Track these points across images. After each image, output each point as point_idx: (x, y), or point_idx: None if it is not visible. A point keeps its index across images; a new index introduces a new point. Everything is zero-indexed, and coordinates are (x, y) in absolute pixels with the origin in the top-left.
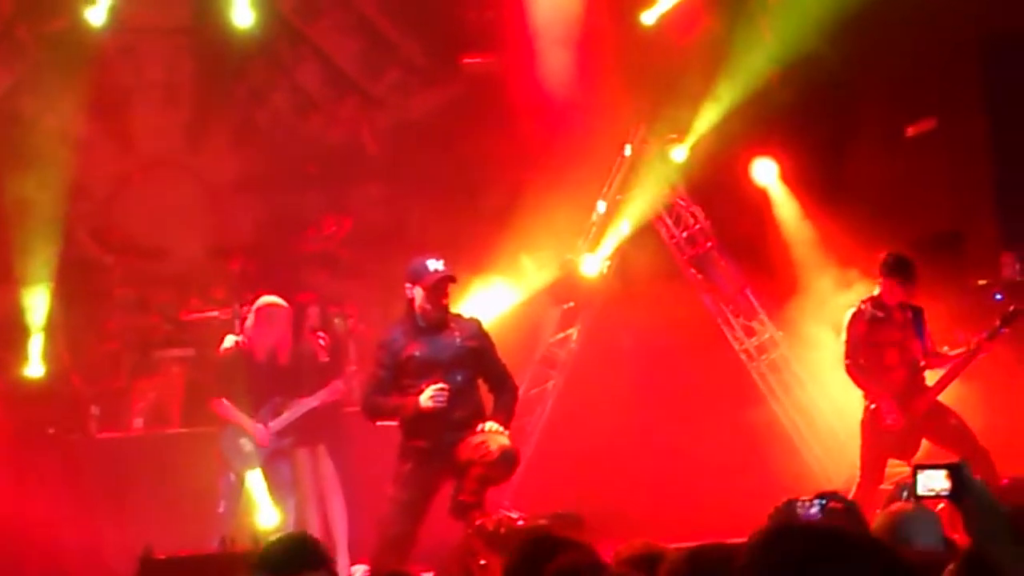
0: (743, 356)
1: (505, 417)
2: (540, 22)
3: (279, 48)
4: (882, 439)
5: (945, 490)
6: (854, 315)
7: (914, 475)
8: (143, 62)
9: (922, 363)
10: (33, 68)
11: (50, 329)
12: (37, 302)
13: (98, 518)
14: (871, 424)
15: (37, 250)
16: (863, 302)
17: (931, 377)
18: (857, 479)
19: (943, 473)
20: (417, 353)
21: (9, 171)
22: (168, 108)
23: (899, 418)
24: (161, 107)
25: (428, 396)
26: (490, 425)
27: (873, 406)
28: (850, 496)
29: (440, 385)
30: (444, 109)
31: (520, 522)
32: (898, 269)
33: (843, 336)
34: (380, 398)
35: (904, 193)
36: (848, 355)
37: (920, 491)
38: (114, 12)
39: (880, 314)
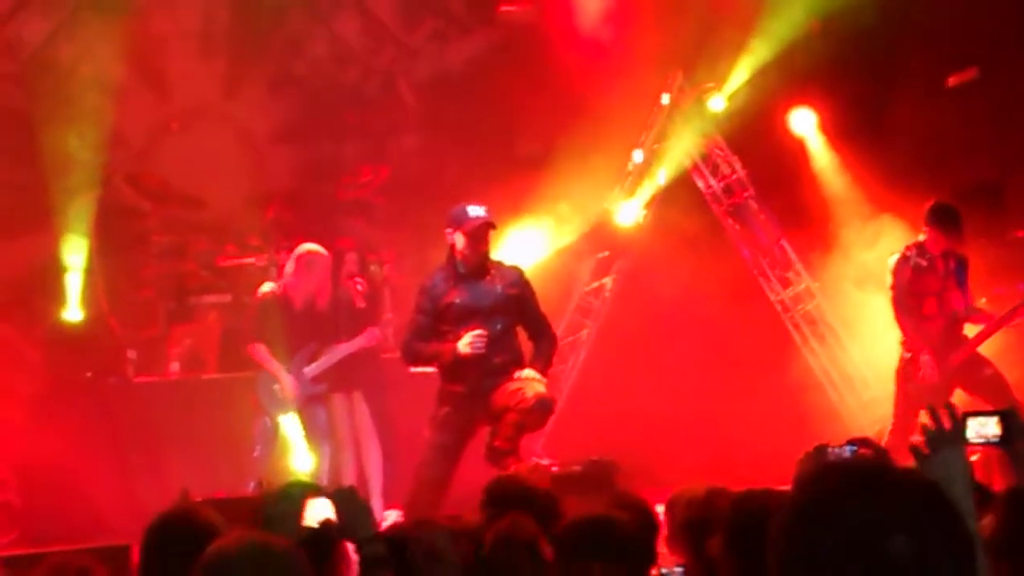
0: (778, 307)
1: (543, 365)
2: None
3: None
4: (916, 389)
5: (996, 436)
6: (899, 261)
7: (963, 420)
8: (180, 10)
9: (961, 315)
10: (71, 16)
11: (88, 275)
12: (75, 249)
13: (134, 461)
14: (905, 373)
15: (75, 197)
16: (907, 248)
17: (970, 329)
18: (889, 427)
19: (995, 419)
20: (457, 300)
21: (47, 119)
22: (205, 57)
23: (935, 373)
24: (198, 56)
25: (466, 342)
26: (528, 372)
27: (908, 355)
28: (882, 444)
29: (479, 332)
30: (481, 58)
31: (554, 469)
32: (944, 217)
33: (889, 280)
34: (419, 343)
35: (944, 144)
36: (896, 301)
37: (971, 437)
38: None
39: (923, 262)
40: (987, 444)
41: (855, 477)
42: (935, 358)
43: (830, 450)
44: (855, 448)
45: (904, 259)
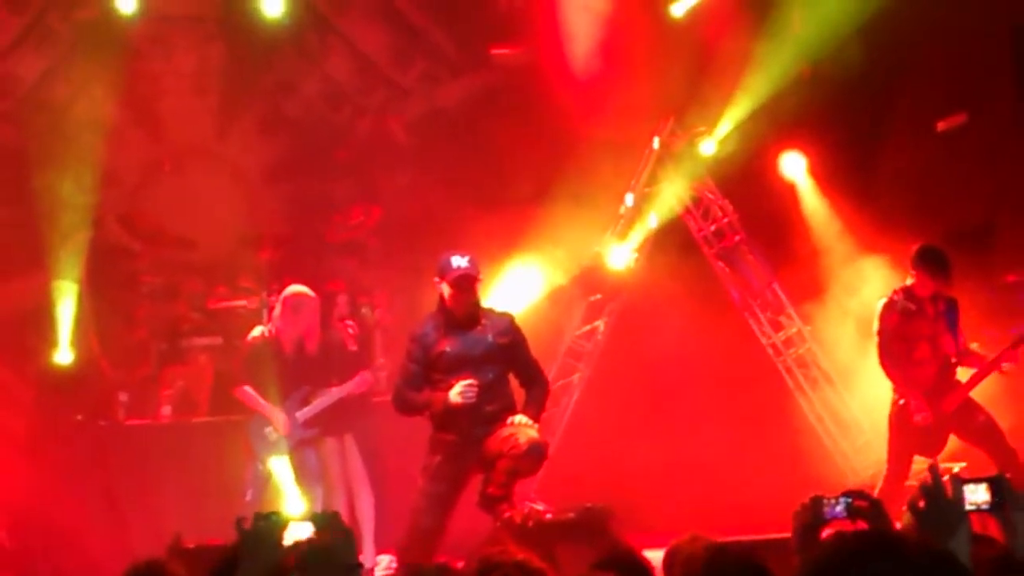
0: (770, 350)
1: (535, 411)
2: (569, 13)
3: (308, 38)
4: (909, 435)
5: (987, 503)
6: (886, 305)
7: (958, 488)
8: (173, 50)
9: (953, 359)
10: (64, 55)
11: (79, 316)
12: (66, 289)
13: (125, 504)
14: (899, 420)
15: (67, 237)
16: (895, 292)
17: (962, 373)
18: (883, 474)
19: (984, 486)
20: (448, 349)
21: (40, 158)
22: (198, 96)
23: (928, 416)
24: (191, 95)
25: (457, 392)
26: (520, 418)
27: (902, 401)
28: (876, 492)
29: (469, 381)
30: (473, 100)
31: (548, 515)
32: (931, 261)
33: (876, 326)
34: (410, 392)
35: (933, 187)
36: (881, 347)
37: (967, 506)
38: (145, 1)
39: (912, 306)
40: (978, 511)
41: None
42: (927, 403)
43: (825, 502)
44: (850, 501)
45: (891, 303)
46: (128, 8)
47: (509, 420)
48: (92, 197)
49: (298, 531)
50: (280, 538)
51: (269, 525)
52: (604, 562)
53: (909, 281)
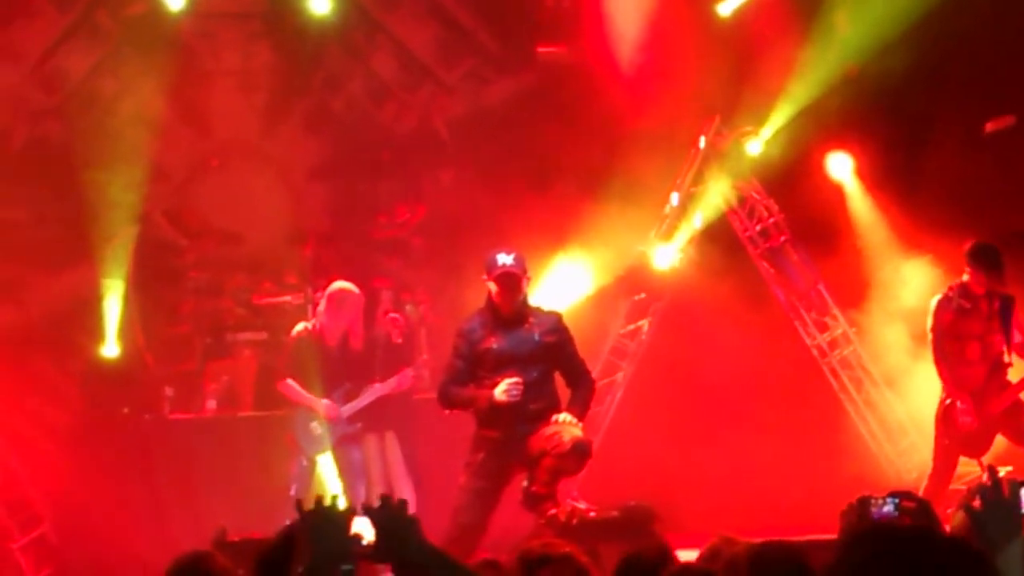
0: (815, 351)
1: (580, 410)
2: (615, 12)
3: (355, 35)
4: (955, 435)
5: None
6: (940, 302)
7: (1015, 490)
8: (220, 47)
9: (1007, 359)
10: (112, 51)
11: (125, 311)
12: (113, 284)
13: (170, 498)
14: (945, 420)
15: (114, 232)
16: (950, 288)
17: (1013, 373)
18: (927, 474)
19: None
20: (495, 346)
21: (87, 153)
22: (245, 93)
23: (975, 419)
24: (238, 92)
25: (503, 390)
26: (564, 416)
27: (949, 401)
28: (920, 492)
29: (515, 379)
30: (518, 98)
31: (592, 514)
32: (985, 257)
33: (929, 322)
34: (456, 388)
35: (981, 190)
36: (935, 344)
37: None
38: None
39: (967, 304)
40: None
41: (901, 545)
42: (974, 404)
43: (873, 502)
44: (897, 501)
45: (946, 300)
46: (176, 5)
47: (553, 418)
48: (139, 193)
49: (359, 525)
50: (348, 524)
51: (336, 510)
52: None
53: (965, 278)
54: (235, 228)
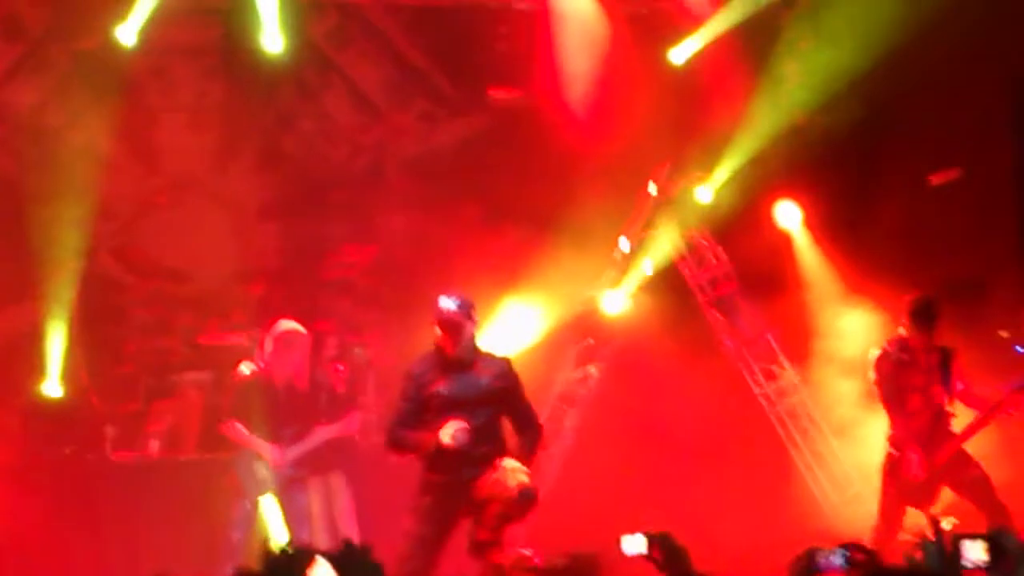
0: (762, 400)
1: (526, 455)
2: (568, 57)
3: (308, 75)
4: (901, 486)
5: (983, 561)
6: (880, 357)
7: (957, 544)
8: (172, 83)
9: (948, 408)
10: (62, 85)
11: (69, 349)
12: (57, 321)
13: (111, 541)
14: (892, 471)
15: (59, 268)
16: (888, 343)
17: (957, 423)
18: (874, 526)
19: (982, 544)
20: (442, 390)
21: (33, 188)
22: (195, 130)
23: (922, 470)
24: (189, 129)
25: (449, 433)
26: (509, 462)
27: (895, 452)
28: (867, 543)
29: (462, 425)
30: (470, 140)
31: (537, 561)
32: (917, 314)
33: (872, 376)
34: (402, 431)
35: (928, 240)
36: (883, 396)
37: (965, 563)
38: (145, 32)
39: (905, 357)
40: (976, 568)
41: None
42: (921, 455)
43: (821, 553)
44: (847, 553)
45: (884, 355)
46: (129, 40)
47: (498, 463)
48: (85, 229)
49: (319, 573)
50: (306, 572)
51: (298, 557)
52: None
53: (902, 331)
54: (182, 266)
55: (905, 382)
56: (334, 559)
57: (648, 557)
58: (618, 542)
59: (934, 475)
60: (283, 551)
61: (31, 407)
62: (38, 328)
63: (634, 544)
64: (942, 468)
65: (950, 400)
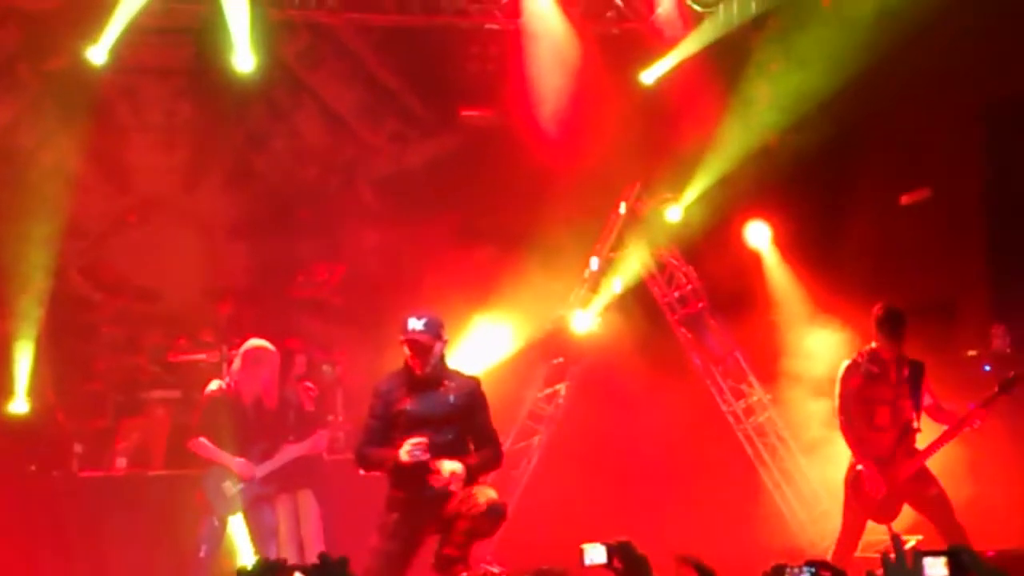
0: (730, 418)
1: (478, 464)
2: (539, 78)
3: (278, 94)
4: (863, 502)
5: None
6: (848, 368)
7: (918, 561)
8: (142, 103)
9: (915, 425)
10: (32, 105)
11: (36, 366)
12: (25, 337)
13: (78, 556)
14: (854, 486)
15: (27, 285)
16: (859, 354)
17: (922, 439)
18: (836, 539)
19: (942, 560)
20: (408, 408)
21: (4, 206)
22: (165, 150)
23: (880, 487)
24: (158, 149)
25: (406, 450)
26: (449, 464)
27: (860, 467)
28: (829, 556)
29: (419, 440)
30: (441, 160)
31: None
32: (887, 323)
33: (837, 388)
34: (369, 448)
35: (897, 260)
36: (841, 411)
37: None
38: (115, 52)
39: (875, 369)
40: None
41: None
42: (882, 470)
43: (788, 571)
44: (814, 570)
45: (854, 365)
46: (99, 60)
47: (435, 464)
48: (54, 247)
49: None
50: None
51: (274, 571)
52: None
53: (873, 345)
54: (152, 284)
55: (874, 395)
56: (311, 572)
57: (608, 566)
58: (579, 553)
59: (896, 491)
60: (258, 566)
61: None
62: (6, 345)
63: (595, 554)
64: (904, 484)
65: (918, 416)
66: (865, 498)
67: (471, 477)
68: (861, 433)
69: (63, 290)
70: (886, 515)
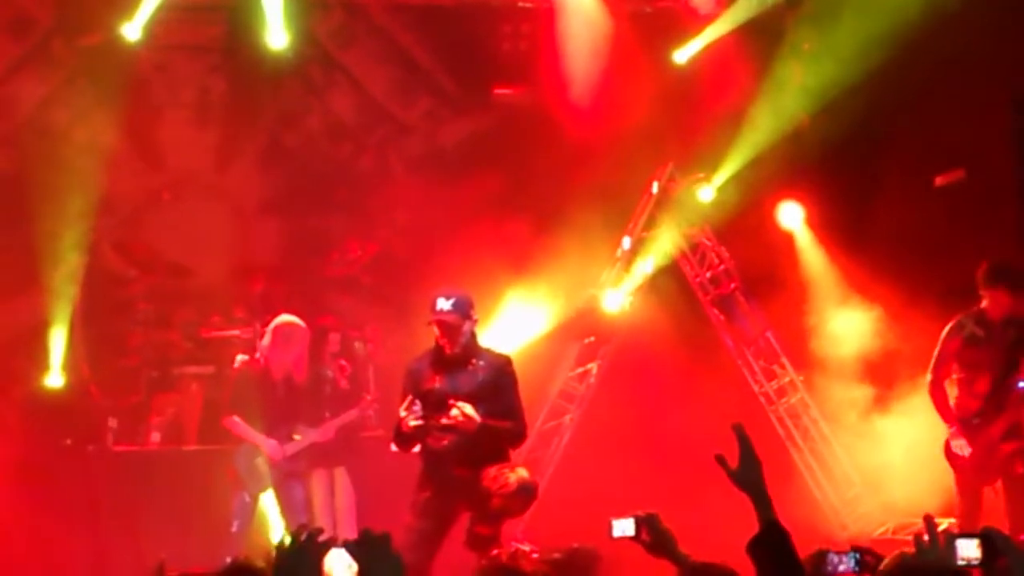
0: (762, 399)
1: (495, 426)
2: (572, 56)
3: (312, 72)
4: (959, 464)
5: (977, 559)
6: (952, 328)
7: (950, 542)
8: (176, 80)
9: (1021, 385)
10: (67, 81)
11: (71, 341)
12: (60, 313)
13: (110, 531)
14: (949, 454)
15: (62, 262)
16: (965, 315)
17: None
18: (957, 508)
19: (975, 542)
20: (438, 386)
21: (37, 182)
22: (198, 127)
23: (967, 447)
24: (192, 125)
25: (403, 415)
26: (463, 405)
27: (952, 431)
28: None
29: (413, 400)
30: (474, 139)
31: (534, 555)
32: (1005, 277)
33: (937, 348)
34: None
35: (930, 242)
36: (933, 370)
37: (958, 560)
38: (149, 29)
39: (980, 332)
40: (969, 566)
41: None
42: (972, 431)
43: (831, 557)
44: (858, 556)
45: (958, 326)
46: (133, 36)
47: (450, 402)
48: (89, 223)
49: (335, 562)
50: (320, 561)
51: (311, 545)
52: None
53: (983, 304)
54: (185, 261)
55: (975, 358)
56: (352, 547)
57: (636, 539)
58: (608, 526)
59: (990, 451)
60: (295, 542)
61: (33, 399)
62: (41, 320)
63: (623, 527)
64: (1007, 457)
65: (1019, 376)
66: (959, 461)
67: (484, 433)
68: (959, 397)
69: (97, 266)
70: (986, 476)
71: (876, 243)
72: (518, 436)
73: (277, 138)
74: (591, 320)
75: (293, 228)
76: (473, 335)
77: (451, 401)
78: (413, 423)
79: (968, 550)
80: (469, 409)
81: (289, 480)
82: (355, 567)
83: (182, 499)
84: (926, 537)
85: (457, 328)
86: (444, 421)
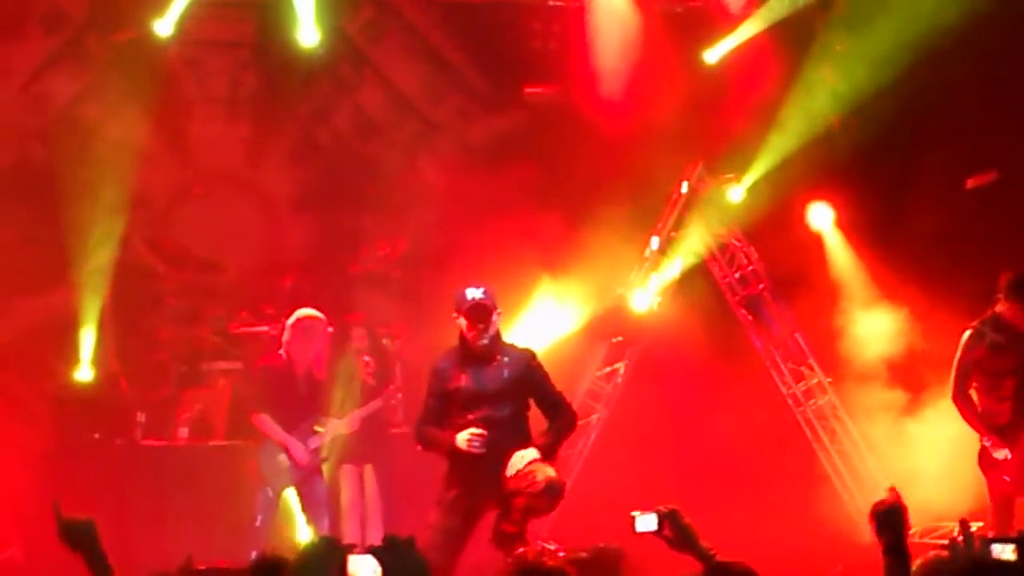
0: (790, 400)
1: (550, 440)
2: (602, 55)
3: (342, 69)
4: (1000, 478)
5: (1012, 562)
6: (971, 337)
7: (986, 546)
8: (207, 76)
9: None
10: (99, 76)
11: (101, 335)
12: (90, 307)
13: (137, 524)
14: (986, 462)
15: (93, 257)
16: (982, 322)
17: None
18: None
19: (1011, 547)
20: (464, 384)
21: (70, 177)
22: (229, 122)
23: (1004, 452)
24: (223, 121)
25: (465, 439)
26: (525, 453)
27: (986, 441)
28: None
29: (479, 430)
30: (504, 137)
31: (560, 554)
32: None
33: (957, 357)
34: (428, 427)
35: (961, 244)
36: (957, 379)
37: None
38: (181, 25)
39: (1001, 339)
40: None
41: None
42: (1004, 437)
43: (994, 546)
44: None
45: (976, 335)
46: (164, 31)
47: (516, 453)
48: (120, 218)
49: (360, 567)
50: (342, 564)
51: (333, 550)
52: None
53: (999, 309)
54: (215, 257)
55: (999, 366)
56: (377, 552)
57: (659, 534)
58: (630, 521)
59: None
60: (319, 545)
61: (62, 392)
62: (71, 314)
63: (646, 522)
64: None
65: None
66: (1001, 468)
67: (550, 454)
68: (979, 406)
69: (128, 261)
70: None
71: (906, 245)
72: (572, 425)
73: (307, 134)
74: (619, 320)
75: (322, 224)
76: (498, 331)
77: (517, 454)
78: (467, 449)
79: (1004, 553)
80: (525, 453)
81: (310, 476)
82: (380, 572)
83: (208, 494)
84: (960, 539)
85: (490, 314)
86: (541, 482)
